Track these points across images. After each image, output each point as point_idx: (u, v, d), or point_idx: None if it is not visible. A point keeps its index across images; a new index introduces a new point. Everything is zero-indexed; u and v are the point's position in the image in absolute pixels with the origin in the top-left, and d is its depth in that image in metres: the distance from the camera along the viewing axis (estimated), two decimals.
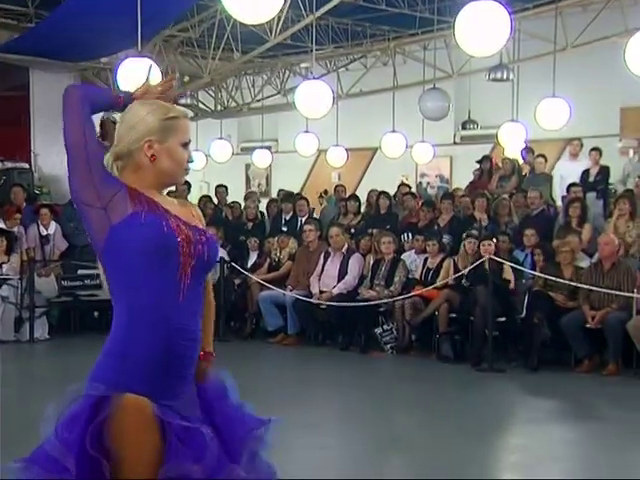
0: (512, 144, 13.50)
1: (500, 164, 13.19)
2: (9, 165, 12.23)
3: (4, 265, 10.43)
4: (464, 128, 17.21)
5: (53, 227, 11.22)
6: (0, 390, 7.40)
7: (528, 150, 12.94)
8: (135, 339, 2.37)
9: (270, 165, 17.94)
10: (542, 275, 8.91)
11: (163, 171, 2.51)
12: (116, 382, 2.34)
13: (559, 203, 11.47)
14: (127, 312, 2.40)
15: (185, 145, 2.54)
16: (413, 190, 13.76)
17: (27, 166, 12.46)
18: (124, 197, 2.41)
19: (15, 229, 10.90)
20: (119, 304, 2.43)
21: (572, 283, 8.68)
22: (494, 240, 9.25)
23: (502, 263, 8.98)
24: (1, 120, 12.96)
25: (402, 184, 13.17)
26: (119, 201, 2.40)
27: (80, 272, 10.99)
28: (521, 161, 13.05)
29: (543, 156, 12.30)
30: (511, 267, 9.07)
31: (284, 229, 11.79)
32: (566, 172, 12.02)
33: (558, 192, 11.84)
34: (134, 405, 2.30)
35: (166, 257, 2.39)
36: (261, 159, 17.05)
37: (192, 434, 2.35)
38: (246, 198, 13.94)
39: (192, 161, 2.57)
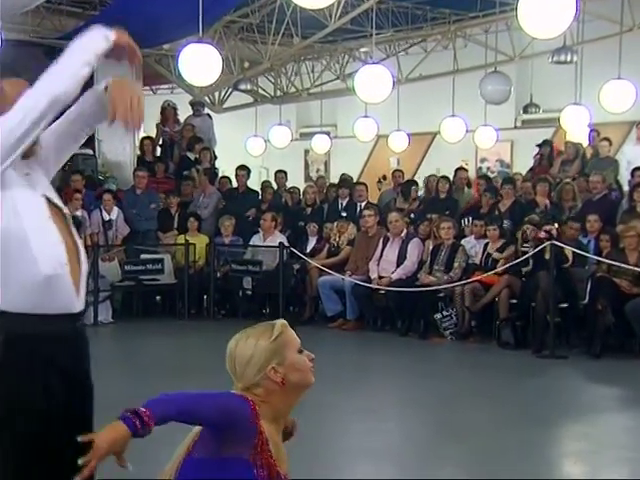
0: (575, 128, 13.26)
1: (563, 148, 12.98)
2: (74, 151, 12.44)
3: None
4: (525, 112, 16.95)
5: (115, 212, 11.41)
6: None
7: (595, 133, 12.69)
8: None
9: (329, 150, 17.93)
10: (606, 261, 8.76)
11: (295, 386, 2.52)
12: None
13: (626, 188, 11.24)
14: None
15: (301, 351, 2.55)
16: (471, 175, 13.64)
17: (91, 152, 12.66)
18: (253, 439, 2.40)
19: (79, 213, 11.10)
20: None
21: (637, 269, 8.51)
22: (555, 225, 9.11)
23: (563, 248, 8.85)
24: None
25: (460, 168, 13.02)
26: (248, 440, 2.40)
27: (142, 257, 11.17)
28: (586, 144, 12.81)
29: (607, 139, 12.07)
30: (574, 252, 8.93)
31: (343, 214, 11.80)
32: (633, 156, 11.77)
33: (625, 177, 11.61)
34: None
35: None
36: (320, 144, 17.05)
37: None
38: (316, 183, 14.08)
39: (313, 358, 2.58)
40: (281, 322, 2.58)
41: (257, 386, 2.47)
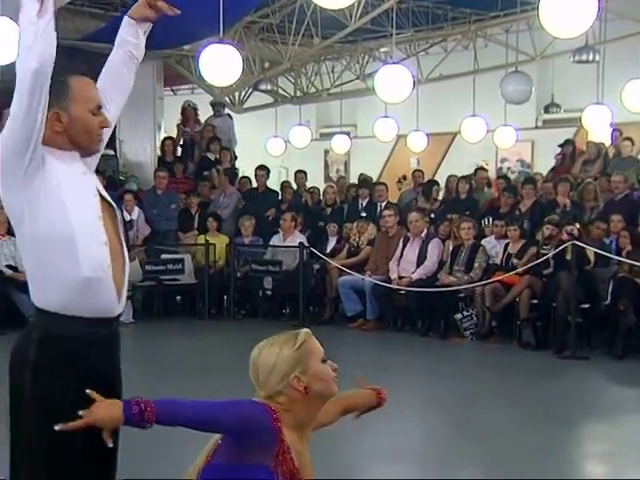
0: (597, 127, 13.18)
1: (584, 148, 12.91)
2: None
3: None
4: (547, 112, 16.88)
5: (136, 212, 11.46)
6: None
7: (617, 132, 12.60)
8: None
9: (349, 151, 17.92)
10: (627, 261, 8.69)
11: (318, 395, 2.52)
12: None
13: None
14: None
15: (324, 360, 2.55)
16: (492, 175, 13.59)
17: (112, 153, 12.72)
18: (274, 446, 2.41)
19: None
20: None
21: None
22: (577, 225, 9.05)
23: (585, 248, 8.79)
24: None
25: (479, 168, 12.98)
26: (269, 447, 2.41)
27: (163, 257, 11.21)
28: (608, 143, 12.72)
29: (630, 139, 11.98)
30: (596, 253, 8.87)
31: (363, 214, 11.79)
32: None
33: None
34: None
35: None
36: (340, 145, 17.03)
37: None
38: (337, 183, 14.10)
39: (336, 369, 2.58)
40: (305, 331, 2.58)
41: (280, 394, 2.47)
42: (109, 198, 2.72)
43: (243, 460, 2.38)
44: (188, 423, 2.34)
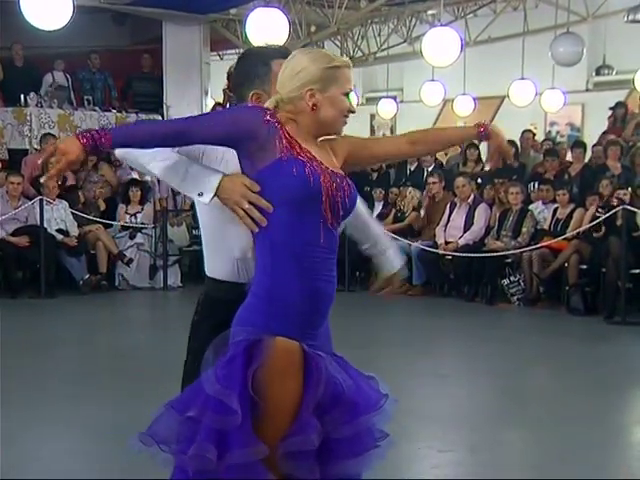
0: None
1: (637, 111, 12.64)
2: (143, 117, 12.58)
3: (138, 214, 10.83)
4: (598, 74, 16.54)
5: None
6: (132, 335, 7.70)
7: None
8: (281, 280, 2.43)
9: (395, 115, 17.77)
10: None
11: (323, 120, 2.51)
12: (265, 325, 2.40)
13: None
14: (270, 251, 2.44)
15: (346, 94, 2.54)
16: (541, 139, 13.36)
17: (160, 118, 12.78)
18: (274, 138, 2.44)
19: (148, 179, 11.25)
20: (261, 244, 2.47)
21: None
22: (629, 189, 8.90)
23: (636, 213, 8.65)
24: (138, 72, 13.31)
25: (526, 131, 12.75)
26: (269, 141, 2.43)
27: None
28: None
29: None
30: None
31: (408, 184, 11.69)
32: None
33: None
34: (284, 349, 2.38)
35: (310, 204, 2.43)
36: (386, 109, 16.90)
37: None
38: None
39: (353, 111, 2.56)
40: (346, 60, 2.59)
41: (289, 103, 2.50)
42: None
43: (257, 167, 2.44)
44: (154, 138, 2.44)
